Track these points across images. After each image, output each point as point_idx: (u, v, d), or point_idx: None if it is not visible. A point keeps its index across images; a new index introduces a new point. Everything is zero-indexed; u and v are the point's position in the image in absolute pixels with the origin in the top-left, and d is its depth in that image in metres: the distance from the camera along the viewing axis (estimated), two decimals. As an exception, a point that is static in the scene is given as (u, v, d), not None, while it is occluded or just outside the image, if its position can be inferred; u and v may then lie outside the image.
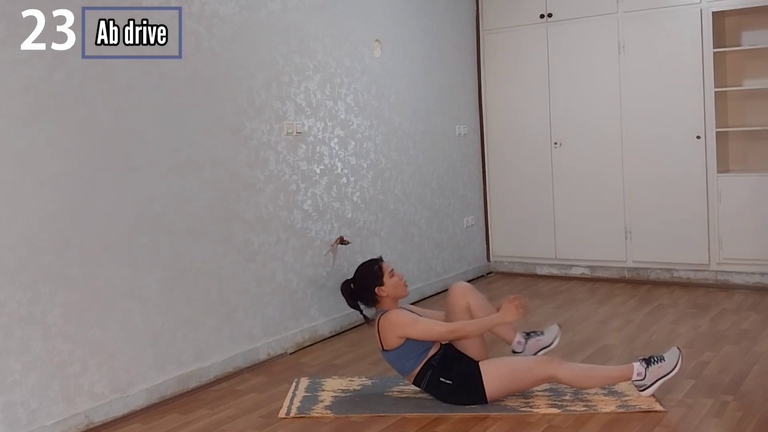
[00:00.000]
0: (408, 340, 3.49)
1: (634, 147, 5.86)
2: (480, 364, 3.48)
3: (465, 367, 3.48)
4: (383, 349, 3.58)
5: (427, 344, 3.53)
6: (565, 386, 3.63)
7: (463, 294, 3.69)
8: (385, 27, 5.50)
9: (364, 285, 3.62)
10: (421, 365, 3.51)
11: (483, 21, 6.50)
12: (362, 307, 3.69)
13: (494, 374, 3.44)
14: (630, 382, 3.48)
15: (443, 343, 3.60)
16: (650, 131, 5.78)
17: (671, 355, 3.47)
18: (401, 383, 3.83)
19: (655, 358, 3.45)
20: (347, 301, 3.71)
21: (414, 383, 3.56)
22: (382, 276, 3.59)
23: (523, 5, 6.26)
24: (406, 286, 3.67)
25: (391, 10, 5.58)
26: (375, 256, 3.83)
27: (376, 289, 3.58)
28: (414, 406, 3.52)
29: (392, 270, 3.65)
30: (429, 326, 3.51)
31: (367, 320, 3.72)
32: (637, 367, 3.43)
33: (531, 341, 3.75)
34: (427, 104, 5.94)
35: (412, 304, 4.64)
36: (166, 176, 3.88)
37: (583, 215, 6.12)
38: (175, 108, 3.94)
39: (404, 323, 3.49)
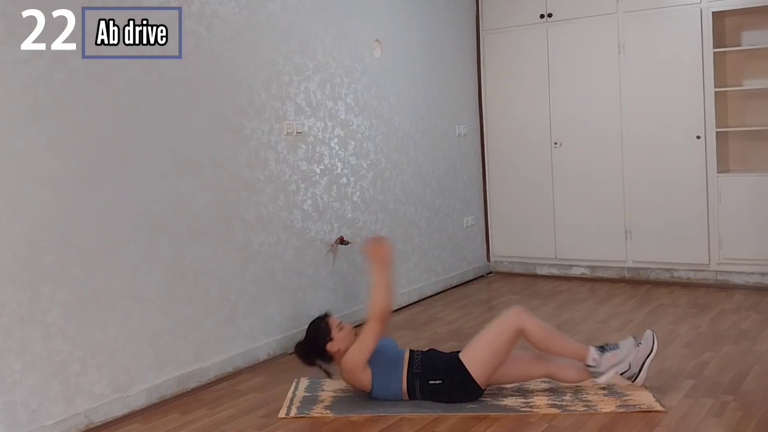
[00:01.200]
0: (373, 365, 3.50)
1: (634, 147, 5.86)
2: (459, 355, 3.51)
3: (448, 362, 3.51)
4: (368, 392, 3.58)
5: (393, 359, 3.55)
6: (565, 386, 3.64)
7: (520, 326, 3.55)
8: (385, 27, 5.50)
9: (315, 344, 3.61)
10: (405, 378, 3.52)
11: (483, 21, 6.50)
12: (321, 364, 3.64)
13: (474, 358, 3.46)
14: (584, 363, 3.51)
15: (413, 351, 3.62)
16: (650, 131, 5.78)
17: (647, 338, 3.54)
18: (401, 383, 3.83)
19: (610, 346, 3.52)
20: (303, 361, 3.68)
21: (411, 398, 3.56)
22: (329, 332, 3.59)
23: (523, 5, 6.26)
24: (356, 334, 3.62)
25: (391, 10, 5.58)
26: (321, 313, 3.78)
27: (326, 346, 3.57)
28: (414, 406, 3.52)
29: (340, 322, 3.64)
30: (363, 334, 3.50)
31: (329, 375, 3.70)
32: (592, 352, 3.49)
33: (606, 355, 3.51)
34: (427, 104, 5.94)
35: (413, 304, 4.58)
36: (166, 176, 3.88)
37: (583, 215, 6.12)
38: (175, 108, 3.94)
39: (353, 357, 3.49)
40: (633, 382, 3.54)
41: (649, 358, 3.53)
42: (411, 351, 3.63)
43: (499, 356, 3.49)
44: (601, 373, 3.50)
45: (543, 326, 3.54)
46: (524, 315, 3.52)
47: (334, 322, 3.63)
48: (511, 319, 3.50)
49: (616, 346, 3.52)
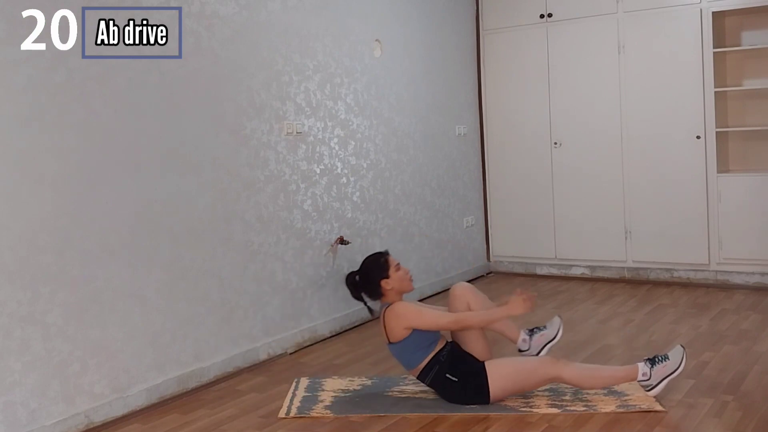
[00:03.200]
0: (414, 331, 3.49)
1: (634, 147, 5.86)
2: (486, 364, 3.48)
3: (471, 366, 3.49)
4: (389, 342, 3.57)
5: (433, 338, 3.53)
6: (565, 386, 3.64)
7: (463, 294, 3.68)
8: (385, 27, 5.50)
9: (369, 277, 3.62)
10: (428, 359, 3.50)
11: (483, 21, 6.49)
12: (366, 300, 3.68)
13: (499, 374, 3.44)
14: (636, 382, 3.47)
15: (449, 340, 3.61)
16: (650, 131, 5.78)
17: (675, 353, 3.47)
18: (401, 383, 3.84)
19: (660, 357, 3.45)
20: (351, 293, 3.70)
21: (419, 377, 3.55)
22: (388, 269, 3.59)
23: (523, 5, 6.26)
24: (411, 280, 3.67)
25: (391, 10, 5.58)
26: (382, 250, 3.83)
27: (381, 282, 3.58)
28: (414, 406, 3.52)
29: (398, 264, 3.65)
30: (434, 316, 3.52)
31: (372, 313, 3.71)
32: (642, 367, 3.42)
33: (535, 337, 3.74)
34: (427, 104, 5.94)
35: (419, 301, 4.61)
36: (166, 176, 3.88)
37: (583, 215, 6.12)
38: (175, 108, 3.94)
39: (410, 314, 3.50)
40: (647, 391, 3.46)
41: (673, 375, 3.43)
42: (447, 342, 3.60)
43: (521, 389, 3.50)
44: (653, 386, 3.42)
45: (580, 370, 3.46)
46: (559, 366, 3.41)
47: (393, 261, 3.64)
48: (549, 368, 3.41)
49: (665, 357, 3.45)
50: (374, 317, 3.74)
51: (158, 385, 3.80)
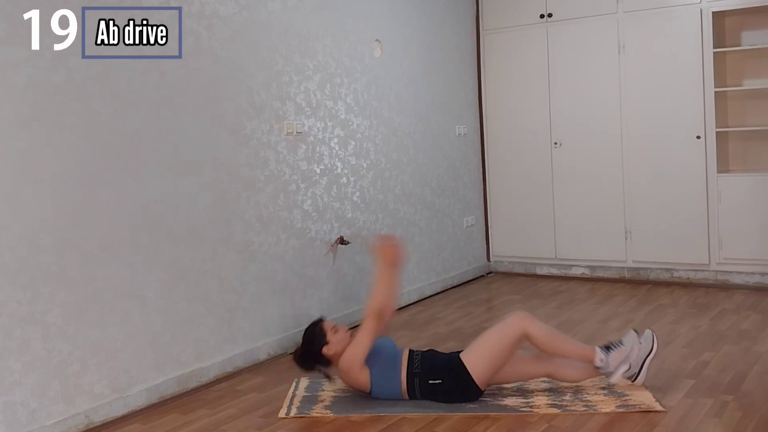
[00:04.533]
0: (373, 366, 3.50)
1: (634, 147, 5.86)
2: (461, 356, 3.50)
3: (448, 363, 3.52)
4: (368, 393, 3.58)
5: (391, 358, 3.55)
6: (565, 386, 3.64)
7: (522, 331, 3.52)
8: (385, 27, 5.50)
9: (310, 349, 3.61)
10: (404, 377, 3.52)
11: (483, 21, 6.50)
12: (319, 368, 3.64)
13: (476, 359, 3.46)
14: (592, 365, 3.52)
15: (412, 351, 3.61)
16: (650, 131, 5.78)
17: (646, 338, 3.56)
18: (401, 383, 3.83)
19: (614, 344, 3.53)
20: (303, 368, 3.67)
21: (410, 397, 3.56)
22: (324, 335, 3.58)
23: (523, 5, 6.26)
24: (351, 335, 3.62)
25: (391, 10, 5.58)
26: (315, 318, 3.77)
27: (323, 350, 3.56)
28: (414, 406, 3.52)
29: (335, 326, 3.64)
30: (359, 333, 3.51)
31: (329, 379, 3.68)
32: (599, 353, 3.50)
33: (612, 353, 3.52)
34: (427, 104, 5.94)
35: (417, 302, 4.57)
36: (166, 176, 3.88)
37: (583, 215, 6.12)
38: (175, 108, 3.94)
39: (350, 358, 3.49)
40: (633, 381, 3.55)
41: (649, 357, 3.54)
42: (410, 351, 3.63)
43: (501, 359, 3.49)
44: (611, 373, 3.51)
45: (548, 330, 3.53)
46: (528, 319, 3.51)
47: (328, 325, 3.63)
48: (515, 323, 3.49)
49: (620, 343, 3.54)
50: (335, 381, 3.72)
51: (158, 385, 3.80)
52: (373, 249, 3.41)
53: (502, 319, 3.60)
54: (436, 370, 3.50)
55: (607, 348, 3.52)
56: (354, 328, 3.70)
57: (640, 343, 3.55)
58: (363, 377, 3.52)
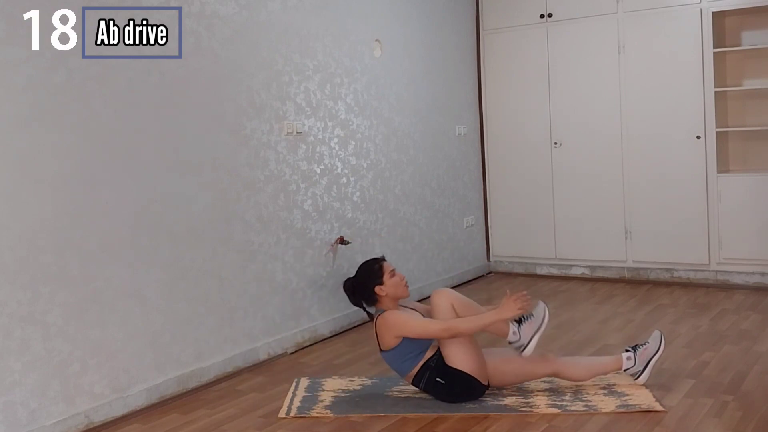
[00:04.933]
0: (404, 340, 3.50)
1: (634, 147, 5.86)
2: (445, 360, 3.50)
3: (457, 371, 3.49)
4: (381, 350, 3.59)
5: (423, 345, 3.53)
6: (565, 386, 3.65)
7: (444, 301, 3.57)
8: (385, 27, 5.50)
9: (363, 284, 3.64)
10: (419, 366, 3.52)
11: (483, 21, 6.50)
12: (365, 306, 3.69)
13: (451, 352, 3.47)
14: (622, 371, 3.57)
15: (439, 347, 3.60)
16: (650, 131, 5.78)
17: (654, 338, 3.61)
18: (401, 383, 3.83)
19: (640, 344, 3.61)
20: (349, 299, 3.73)
21: (413, 383, 3.57)
22: (382, 275, 3.60)
23: (523, 5, 6.26)
24: (407, 286, 3.66)
25: (391, 10, 5.58)
26: (378, 255, 3.84)
27: (375, 288, 3.59)
28: (414, 406, 3.52)
29: (393, 270, 3.65)
30: (424, 325, 3.50)
31: (371, 317, 3.71)
32: (625, 355, 3.56)
33: (524, 326, 3.59)
34: (427, 104, 5.94)
35: (419, 301, 4.57)
36: (167, 176, 3.88)
37: (583, 215, 6.12)
38: (175, 108, 3.94)
39: (399, 323, 3.50)
40: (636, 379, 3.56)
41: (655, 357, 3.58)
42: (438, 348, 3.59)
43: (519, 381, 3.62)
44: (640, 372, 3.56)
45: (575, 365, 3.60)
46: (558, 363, 3.58)
47: (387, 267, 3.64)
48: (545, 368, 3.56)
49: (645, 342, 3.61)
50: (373, 321, 3.73)
51: (158, 385, 3.80)
52: (506, 299, 3.43)
53: (531, 362, 3.58)
54: (448, 371, 3.49)
55: (633, 350, 3.59)
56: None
57: (648, 342, 3.60)
58: (393, 342, 3.52)
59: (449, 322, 3.49)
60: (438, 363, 3.51)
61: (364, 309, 3.72)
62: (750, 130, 5.59)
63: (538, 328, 3.63)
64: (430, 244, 5.94)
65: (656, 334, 3.64)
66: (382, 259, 3.72)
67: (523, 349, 3.53)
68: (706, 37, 5.48)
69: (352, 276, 3.74)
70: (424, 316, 3.63)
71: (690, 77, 5.58)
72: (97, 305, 3.53)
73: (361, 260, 3.89)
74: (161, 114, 3.86)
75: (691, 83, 5.58)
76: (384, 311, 3.58)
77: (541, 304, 3.69)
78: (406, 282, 3.68)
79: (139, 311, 3.72)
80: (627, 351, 3.59)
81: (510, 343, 3.62)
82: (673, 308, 5.11)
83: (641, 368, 3.55)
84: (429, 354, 3.53)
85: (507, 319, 3.53)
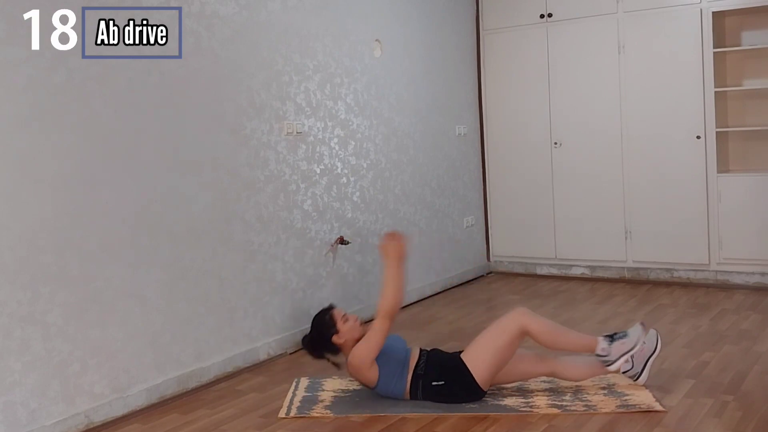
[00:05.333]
0: (380, 363, 3.49)
1: (634, 147, 5.86)
2: (462, 356, 3.50)
3: (450, 363, 3.51)
4: (372, 388, 3.58)
5: (401, 358, 3.55)
6: (565, 386, 3.64)
7: (523, 327, 3.51)
8: (385, 27, 5.50)
9: (320, 338, 3.61)
10: (409, 380, 3.52)
11: (483, 21, 6.50)
12: (329, 357, 3.64)
13: (477, 359, 3.45)
14: (594, 355, 3.51)
15: (421, 350, 3.61)
16: (650, 131, 5.78)
17: (634, 331, 3.52)
18: (401, 383, 3.83)
19: (619, 334, 3.51)
20: (312, 355, 3.69)
21: (412, 398, 3.56)
22: (335, 324, 3.57)
23: (523, 5, 6.26)
24: (362, 324, 3.63)
25: (391, 10, 5.58)
26: (325, 306, 3.78)
27: (333, 339, 3.57)
28: (414, 406, 3.52)
29: (345, 314, 3.63)
30: (371, 330, 3.49)
31: (338, 367, 3.66)
32: (601, 342, 3.48)
33: (615, 344, 3.49)
34: (427, 104, 5.94)
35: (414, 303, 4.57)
36: (166, 176, 3.88)
37: (583, 215, 6.12)
38: (175, 108, 3.94)
39: (362, 355, 3.48)
40: (635, 381, 3.55)
41: (653, 357, 3.54)
42: (420, 350, 3.61)
43: (503, 358, 3.47)
44: (611, 362, 3.47)
45: (548, 324, 3.53)
46: (528, 315, 3.50)
47: (338, 314, 3.62)
48: (514, 319, 3.48)
49: (624, 334, 3.51)
50: (341, 370, 3.70)
51: (158, 385, 3.80)
52: (378, 247, 3.39)
53: (501, 316, 3.59)
54: (440, 372, 3.50)
55: (611, 337, 3.50)
56: (366, 323, 3.68)
57: (644, 342, 3.52)
58: (372, 375, 3.51)
59: (379, 311, 3.50)
60: (426, 368, 3.52)
61: (329, 360, 3.65)
62: (750, 130, 5.59)
63: (652, 354, 3.57)
64: (430, 244, 5.94)
65: (652, 333, 3.59)
66: (331, 307, 3.68)
67: (637, 377, 3.50)
68: (706, 37, 5.48)
69: (307, 334, 3.71)
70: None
71: (690, 77, 5.58)
72: (97, 305, 3.53)
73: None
74: (161, 114, 3.86)
75: (691, 83, 5.58)
76: (347, 357, 3.57)
77: (638, 326, 3.56)
78: (360, 320, 3.64)
79: (139, 311, 3.72)
80: (604, 338, 3.48)
81: (598, 356, 3.50)
82: (673, 308, 5.12)
83: (639, 369, 3.52)
84: (412, 364, 3.54)
85: (395, 258, 3.49)
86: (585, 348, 3.52)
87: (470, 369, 3.45)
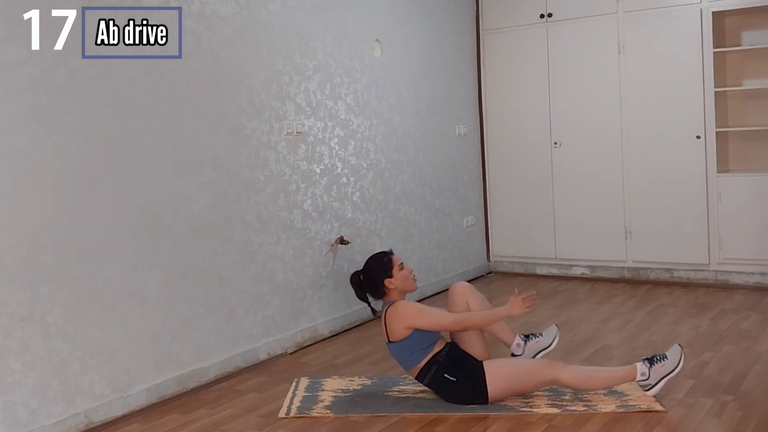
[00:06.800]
0: (415, 331, 3.50)
1: (634, 147, 5.86)
2: (484, 364, 3.48)
3: (469, 366, 3.49)
4: (389, 341, 3.58)
5: (432, 338, 3.53)
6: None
7: (463, 293, 3.70)
8: (385, 27, 5.50)
9: (372, 276, 3.64)
10: (426, 359, 3.51)
11: (483, 21, 6.50)
12: (370, 299, 3.69)
13: (497, 374, 3.44)
14: (634, 382, 3.46)
15: (449, 340, 3.61)
16: (650, 131, 5.78)
17: (673, 353, 3.47)
18: (401, 383, 3.84)
19: (658, 357, 3.45)
20: (356, 293, 3.73)
21: (417, 378, 3.55)
22: (391, 268, 3.61)
23: (523, 5, 6.26)
24: (415, 280, 3.69)
25: (391, 10, 5.58)
26: (386, 249, 3.84)
27: (384, 281, 3.60)
28: (414, 406, 3.52)
29: (402, 263, 3.67)
30: (436, 316, 3.53)
31: (374, 313, 3.72)
32: (641, 367, 3.41)
33: (530, 343, 3.77)
34: (427, 104, 5.94)
35: (418, 301, 4.58)
36: (167, 176, 3.88)
37: (583, 215, 6.12)
38: (175, 108, 3.94)
39: (412, 313, 3.51)
40: (646, 391, 3.46)
41: (670, 375, 3.43)
42: (447, 343, 3.59)
43: (519, 390, 3.50)
44: (651, 386, 3.42)
45: (578, 373, 3.46)
46: (557, 369, 3.42)
47: (396, 260, 3.65)
48: (548, 371, 3.43)
49: (664, 357, 3.45)
50: (377, 317, 3.74)
51: (158, 385, 3.80)
52: (514, 297, 3.47)
53: (536, 361, 3.58)
54: (456, 368, 3.48)
55: (650, 361, 3.44)
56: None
57: (682, 364, 3.46)
58: (402, 333, 3.51)
59: (462, 315, 3.54)
60: (447, 358, 3.50)
61: (368, 303, 3.73)
62: (750, 130, 5.59)
63: (544, 349, 3.70)
64: (430, 244, 5.94)
65: (676, 348, 3.50)
66: (391, 252, 3.73)
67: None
68: (706, 37, 5.48)
69: (359, 269, 3.73)
70: None
71: (690, 77, 5.58)
72: (97, 305, 3.53)
73: (361, 260, 3.90)
74: (161, 114, 3.86)
75: (691, 83, 5.58)
76: (393, 303, 3.58)
77: (554, 327, 3.82)
78: (414, 276, 3.70)
79: (139, 311, 3.72)
80: (644, 362, 3.43)
81: (513, 354, 3.72)
82: (673, 308, 5.12)
83: (653, 382, 3.42)
84: (437, 348, 3.53)
85: (515, 316, 3.54)
86: (625, 380, 3.47)
87: (488, 379, 3.43)
